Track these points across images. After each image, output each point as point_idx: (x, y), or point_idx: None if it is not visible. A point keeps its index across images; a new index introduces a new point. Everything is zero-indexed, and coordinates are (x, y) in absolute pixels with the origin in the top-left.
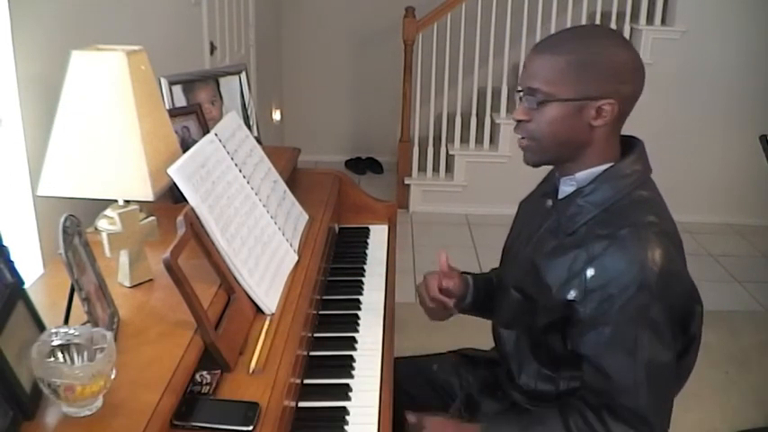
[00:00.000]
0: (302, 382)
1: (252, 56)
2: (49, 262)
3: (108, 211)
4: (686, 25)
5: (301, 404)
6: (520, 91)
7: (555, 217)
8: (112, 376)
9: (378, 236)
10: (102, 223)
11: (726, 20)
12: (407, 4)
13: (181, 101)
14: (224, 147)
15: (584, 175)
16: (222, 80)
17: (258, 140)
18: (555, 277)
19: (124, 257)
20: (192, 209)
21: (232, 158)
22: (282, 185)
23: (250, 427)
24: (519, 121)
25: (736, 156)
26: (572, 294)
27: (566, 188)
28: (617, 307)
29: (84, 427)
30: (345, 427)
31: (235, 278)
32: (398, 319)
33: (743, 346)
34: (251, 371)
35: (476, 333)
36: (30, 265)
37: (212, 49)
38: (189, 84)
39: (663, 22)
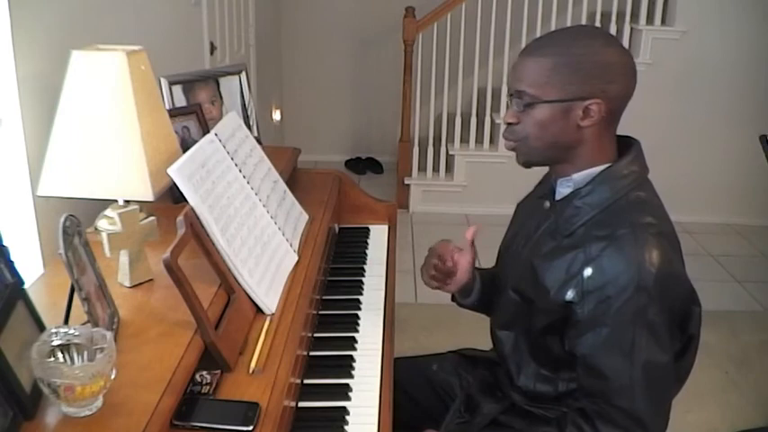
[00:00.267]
0: (302, 382)
1: (252, 56)
2: (49, 262)
3: (108, 211)
4: (686, 25)
5: (301, 404)
6: (510, 94)
7: (553, 219)
8: (112, 376)
9: (378, 236)
10: (102, 223)
11: (726, 20)
12: (407, 4)
13: (181, 101)
14: (224, 147)
15: (581, 176)
16: (222, 80)
17: (258, 140)
18: (553, 279)
19: (124, 257)
20: (192, 209)
21: (232, 158)
22: (282, 185)
23: (250, 427)
24: (508, 125)
25: (736, 156)
26: (570, 296)
27: (563, 190)
28: (614, 308)
29: (84, 427)
30: (345, 427)
31: (235, 278)
32: (398, 319)
33: (743, 346)
34: (251, 371)
35: (476, 333)
36: (30, 265)
37: (212, 49)
38: (189, 84)
39: (663, 22)
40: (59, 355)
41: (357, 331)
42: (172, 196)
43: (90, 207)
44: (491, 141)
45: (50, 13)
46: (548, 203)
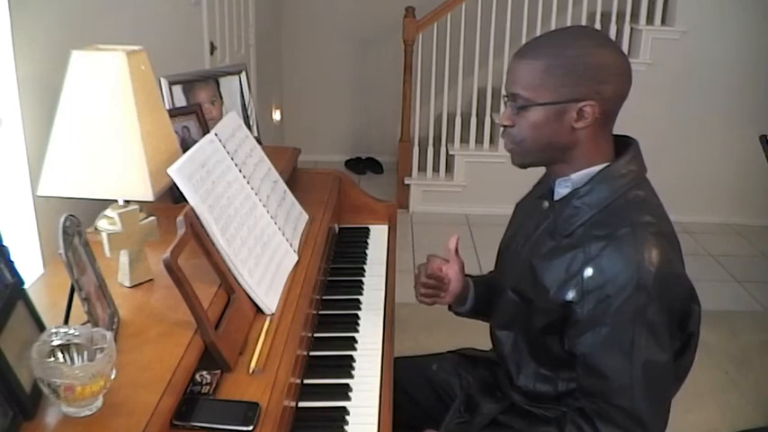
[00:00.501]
0: (302, 382)
1: (252, 56)
2: (49, 262)
3: (108, 211)
4: (686, 25)
5: (301, 404)
6: (506, 96)
7: (551, 219)
8: (112, 376)
9: (378, 236)
10: (102, 223)
11: (726, 20)
12: (407, 4)
13: (181, 101)
14: (224, 147)
15: (580, 176)
16: (222, 80)
17: (258, 140)
18: (552, 279)
19: (124, 257)
20: (192, 209)
21: (232, 158)
22: (282, 185)
23: (250, 427)
24: (504, 127)
25: (736, 156)
26: (570, 296)
27: (561, 190)
28: (614, 307)
29: (84, 427)
30: (345, 427)
31: (235, 278)
32: (398, 319)
33: (743, 345)
34: (251, 371)
35: (476, 333)
36: (30, 265)
37: (212, 49)
38: (189, 84)
39: (663, 22)
40: (59, 355)
41: (357, 331)
42: (172, 196)
43: (90, 207)
44: (491, 141)
45: (50, 14)
46: (546, 203)
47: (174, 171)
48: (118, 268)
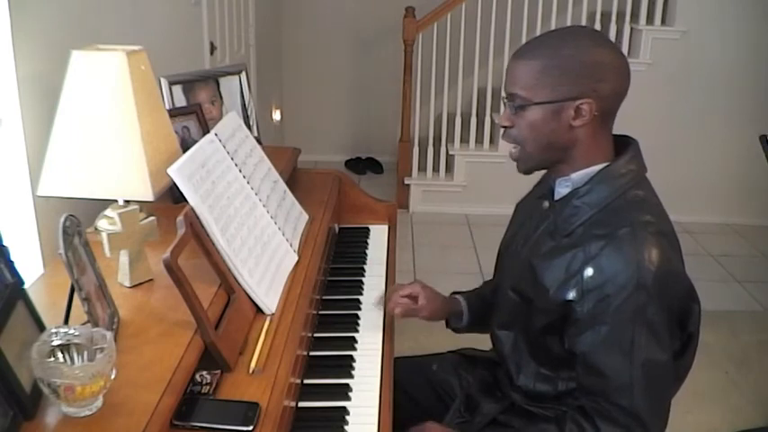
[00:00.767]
0: (302, 382)
1: (252, 56)
2: (49, 262)
3: (108, 211)
4: (686, 25)
5: (301, 404)
6: (505, 97)
7: (552, 219)
8: (112, 376)
9: (378, 236)
10: (102, 223)
11: (726, 20)
12: (407, 4)
13: (181, 101)
14: (224, 147)
15: (579, 175)
16: (222, 80)
17: (258, 140)
18: (552, 278)
19: (124, 257)
20: (192, 209)
21: (232, 158)
22: (282, 185)
23: (250, 427)
24: (505, 128)
25: (736, 156)
26: (570, 295)
27: (561, 189)
28: (614, 306)
29: (84, 427)
30: (345, 427)
31: (235, 278)
32: (398, 319)
33: (743, 346)
34: (251, 371)
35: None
36: (30, 265)
37: (212, 49)
38: (189, 84)
39: (663, 22)
40: (59, 355)
41: (357, 331)
42: (172, 196)
43: (90, 207)
44: (491, 141)
45: (50, 14)
46: (547, 203)
47: (174, 171)
48: (118, 268)
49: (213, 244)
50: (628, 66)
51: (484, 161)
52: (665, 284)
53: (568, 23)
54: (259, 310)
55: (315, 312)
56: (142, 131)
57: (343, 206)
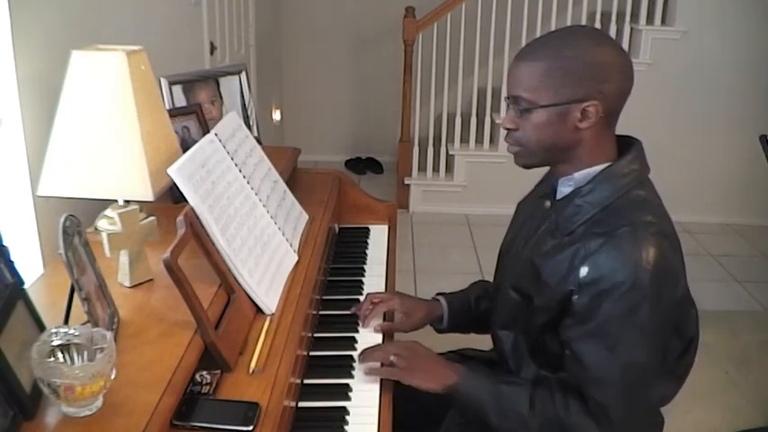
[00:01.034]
0: (302, 382)
1: (252, 56)
2: (49, 262)
3: (108, 211)
4: (686, 25)
5: (301, 404)
6: (507, 98)
7: (553, 218)
8: (112, 376)
9: (378, 236)
10: (102, 223)
11: (726, 20)
12: (407, 4)
13: (181, 101)
14: (224, 147)
15: (582, 175)
16: (222, 80)
17: (258, 140)
18: (553, 275)
19: (124, 257)
20: (192, 209)
21: (232, 158)
22: (282, 185)
23: (250, 427)
24: (508, 131)
25: (736, 156)
26: (568, 290)
27: (563, 189)
28: (608, 303)
29: (84, 427)
30: (345, 427)
31: (235, 278)
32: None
33: (743, 345)
34: (251, 371)
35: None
36: (30, 265)
37: (212, 49)
38: (189, 84)
39: (663, 22)
40: (59, 355)
41: (357, 331)
42: (172, 196)
43: (90, 207)
44: (491, 141)
45: (50, 14)
46: (548, 203)
47: (174, 171)
48: (118, 268)
49: (213, 244)
50: (631, 64)
51: (484, 161)
52: (661, 285)
53: (568, 23)
54: (259, 310)
55: (315, 312)
56: (142, 131)
57: (343, 206)
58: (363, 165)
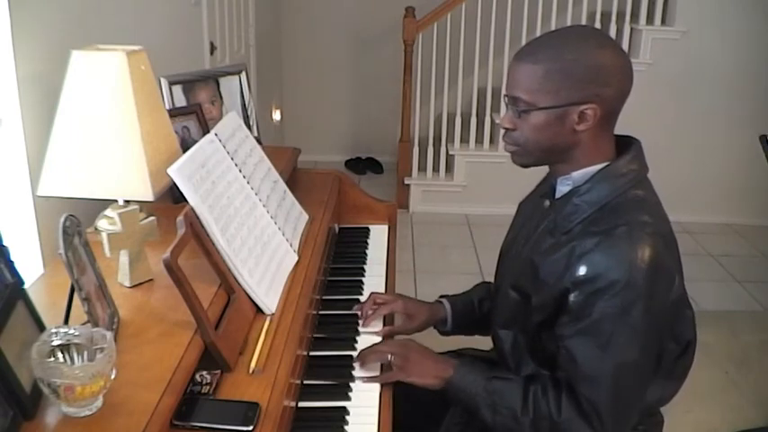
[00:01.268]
0: (302, 382)
1: (252, 56)
2: (49, 262)
3: (108, 211)
4: (686, 25)
5: (301, 404)
6: (506, 96)
7: (552, 217)
8: (112, 376)
9: (378, 236)
10: (102, 223)
11: (726, 20)
12: (407, 4)
13: (181, 101)
14: (224, 147)
15: (580, 174)
16: (222, 80)
17: (258, 140)
18: (550, 273)
19: (124, 257)
20: (192, 209)
21: (232, 158)
22: (282, 185)
23: (250, 427)
24: (506, 130)
25: (736, 156)
26: (564, 288)
27: (562, 188)
28: (602, 301)
29: (84, 427)
30: (345, 427)
31: (235, 278)
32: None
33: (743, 345)
34: (251, 371)
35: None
36: (30, 265)
37: (212, 49)
38: (189, 84)
39: (663, 22)
40: (59, 355)
41: (357, 331)
42: (172, 196)
43: (90, 207)
44: (491, 141)
45: (50, 13)
46: (548, 202)
47: (174, 171)
48: (118, 268)
49: (213, 244)
50: (631, 67)
51: (484, 161)
52: (655, 285)
53: (568, 23)
54: (259, 310)
55: (315, 312)
56: (142, 131)
57: (343, 206)
58: (363, 165)
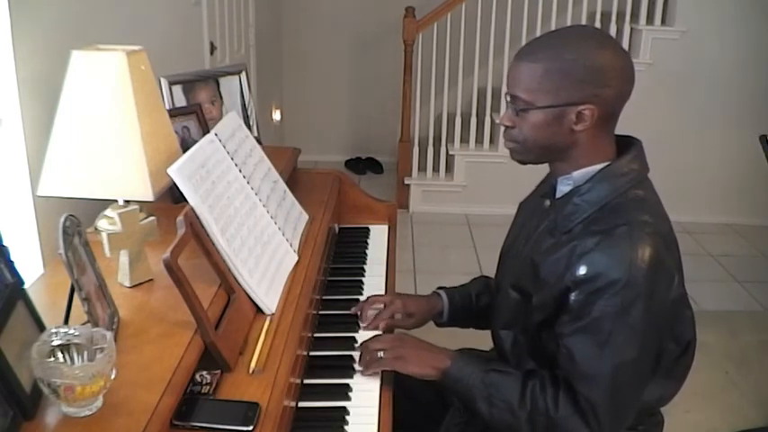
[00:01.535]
0: (302, 382)
1: (252, 56)
2: (49, 262)
3: (108, 211)
4: (686, 25)
5: (301, 404)
6: (507, 94)
7: (552, 216)
8: (112, 376)
9: (378, 236)
10: (102, 223)
11: (726, 20)
12: (407, 4)
13: (181, 101)
14: (224, 147)
15: (581, 174)
16: (222, 80)
17: (258, 140)
18: (551, 273)
19: (124, 257)
20: (192, 209)
21: (232, 158)
22: (282, 185)
23: (250, 427)
24: (506, 128)
25: (736, 156)
26: (565, 287)
27: (563, 187)
28: (601, 300)
29: (84, 427)
30: (345, 427)
31: (235, 278)
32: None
33: (743, 346)
34: (251, 371)
35: (476, 333)
36: (30, 265)
37: (212, 49)
38: (189, 84)
39: (663, 22)
40: (59, 355)
41: (357, 331)
42: (172, 196)
43: (90, 207)
44: (491, 141)
45: (50, 14)
46: (548, 202)
47: (174, 171)
48: (118, 268)
49: (213, 244)
50: (632, 68)
51: (484, 161)
52: (655, 284)
53: (568, 23)
54: (259, 310)
55: (315, 312)
56: (142, 131)
57: (343, 206)
58: (363, 165)
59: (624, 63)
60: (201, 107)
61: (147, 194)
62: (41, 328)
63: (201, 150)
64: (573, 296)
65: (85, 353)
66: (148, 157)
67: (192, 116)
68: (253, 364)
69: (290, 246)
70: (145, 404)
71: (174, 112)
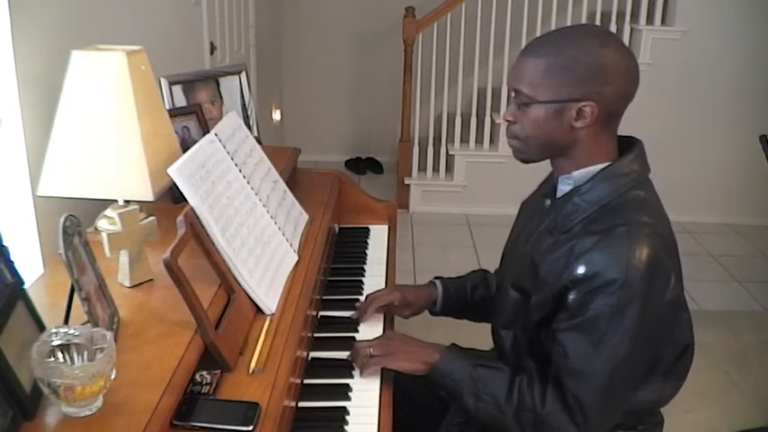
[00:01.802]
0: (302, 382)
1: (252, 56)
2: (49, 262)
3: (108, 211)
4: (686, 25)
5: (301, 404)
6: (510, 89)
7: (553, 216)
8: (112, 376)
9: (378, 236)
10: (102, 223)
11: (726, 20)
12: (407, 4)
13: (181, 101)
14: (224, 147)
15: (581, 173)
16: (222, 80)
17: (258, 140)
18: (550, 272)
19: (124, 257)
20: (192, 209)
21: (232, 158)
22: (282, 185)
23: (250, 427)
24: (508, 123)
25: (736, 156)
26: (563, 286)
27: (563, 187)
28: (598, 299)
29: (84, 427)
30: (345, 427)
31: (235, 278)
32: (398, 319)
33: (743, 346)
34: (251, 371)
35: (476, 333)
36: (30, 265)
37: (212, 49)
38: (189, 84)
39: (663, 22)
40: (59, 355)
41: (357, 331)
42: (172, 196)
43: (90, 207)
44: (491, 141)
45: (50, 14)
46: (549, 202)
47: (173, 171)
48: (118, 268)
49: (213, 244)
50: (636, 68)
51: (484, 161)
52: (652, 285)
53: (568, 23)
54: (259, 310)
55: (315, 312)
56: (142, 131)
57: (343, 206)
58: (363, 165)
59: (627, 63)
60: (201, 107)
61: (147, 194)
62: (41, 328)
63: (201, 150)
64: (571, 295)
65: (85, 353)
66: (148, 157)
67: (191, 116)
68: (253, 364)
69: (290, 246)
70: (145, 404)
71: (174, 112)
